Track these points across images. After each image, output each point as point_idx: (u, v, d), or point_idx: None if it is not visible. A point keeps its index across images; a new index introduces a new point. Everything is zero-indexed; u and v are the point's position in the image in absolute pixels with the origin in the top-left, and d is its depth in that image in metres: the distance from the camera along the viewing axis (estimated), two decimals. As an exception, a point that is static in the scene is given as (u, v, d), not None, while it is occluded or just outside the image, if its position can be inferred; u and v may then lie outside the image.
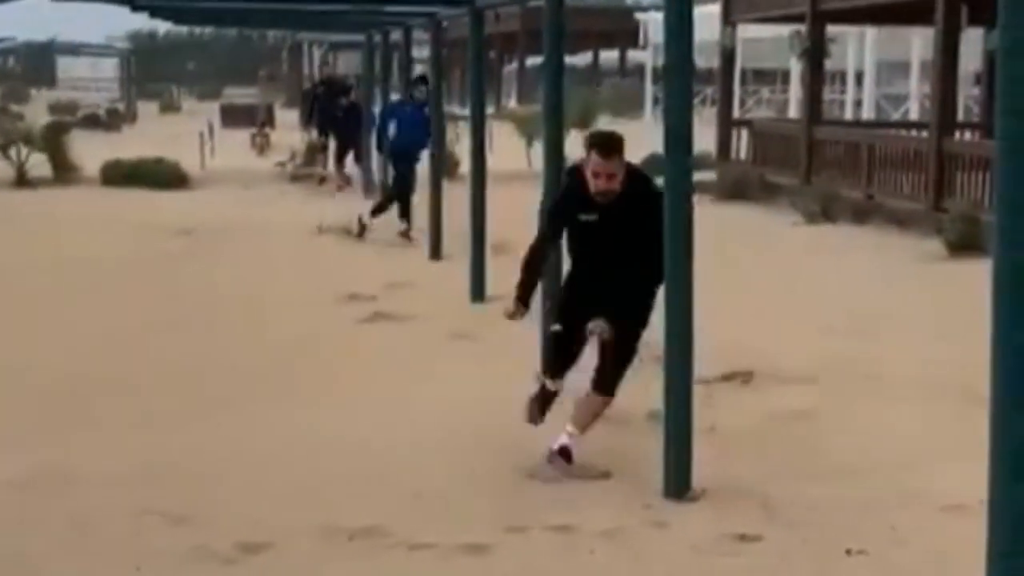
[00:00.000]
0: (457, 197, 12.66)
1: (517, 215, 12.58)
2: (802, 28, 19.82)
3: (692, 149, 6.01)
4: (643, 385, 6.51)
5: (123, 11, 12.86)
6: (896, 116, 32.07)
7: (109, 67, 73.07)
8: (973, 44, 19.32)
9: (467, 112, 13.72)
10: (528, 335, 7.74)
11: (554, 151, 8.40)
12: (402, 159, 14.99)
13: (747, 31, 25.95)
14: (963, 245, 13.22)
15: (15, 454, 6.60)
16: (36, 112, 36.90)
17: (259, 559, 5.21)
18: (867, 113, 31.49)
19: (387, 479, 6.21)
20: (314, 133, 22.57)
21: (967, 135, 18.90)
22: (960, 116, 18.37)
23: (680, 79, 5.90)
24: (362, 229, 14.87)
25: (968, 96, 26.32)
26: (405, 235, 14.74)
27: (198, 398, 7.82)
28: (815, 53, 19.30)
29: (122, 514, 5.69)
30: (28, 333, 9.73)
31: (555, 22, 8.25)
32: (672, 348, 5.94)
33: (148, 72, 69.03)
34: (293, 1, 12.35)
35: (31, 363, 8.65)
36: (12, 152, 21.39)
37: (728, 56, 21.98)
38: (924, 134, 18.06)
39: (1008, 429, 3.30)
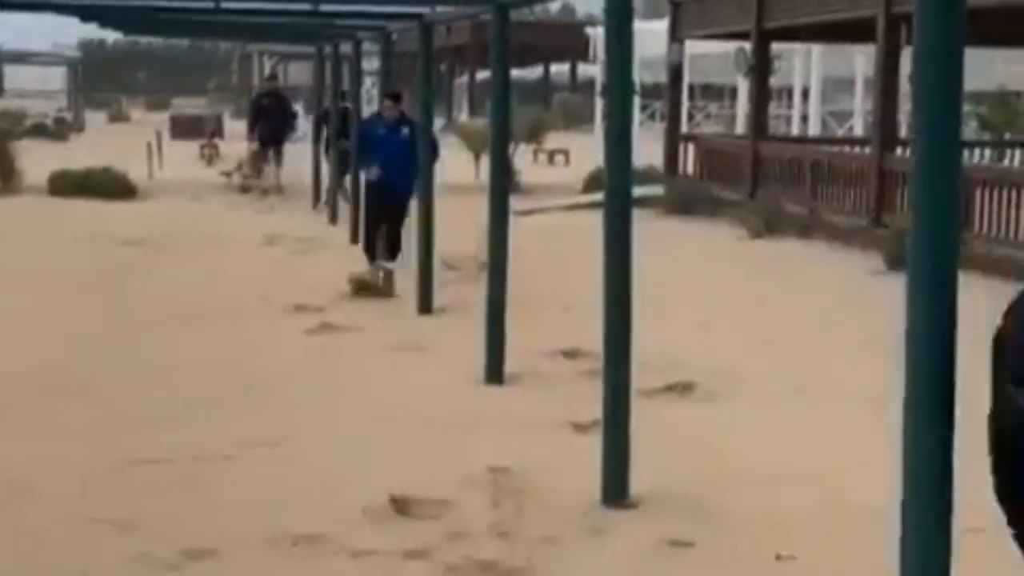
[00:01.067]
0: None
1: (464, 227, 12.79)
2: (747, 45, 20.12)
3: (631, 162, 6.17)
4: (582, 394, 6.65)
5: (71, 20, 12.88)
6: (841, 132, 32.50)
7: (57, 76, 72.55)
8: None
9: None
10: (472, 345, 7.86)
11: (500, 164, 8.54)
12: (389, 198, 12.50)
13: (695, 47, 26.24)
14: (902, 259, 13.45)
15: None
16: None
17: (203, 565, 5.30)
18: (813, 129, 31.89)
19: (332, 486, 6.31)
20: (256, 144, 22.50)
21: (907, 152, 19.21)
22: (902, 132, 18.69)
23: (620, 97, 6.07)
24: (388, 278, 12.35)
25: (909, 113, 26.70)
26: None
27: (146, 406, 7.88)
28: (760, 70, 19.58)
29: (70, 522, 5.75)
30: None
31: (500, 37, 8.39)
32: (610, 358, 6.09)
33: (96, 81, 68.62)
34: (245, 14, 12.40)
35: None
36: (-42, 161, 21.30)
37: (675, 72, 22.23)
38: (867, 150, 18.38)
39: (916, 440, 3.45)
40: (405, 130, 12.26)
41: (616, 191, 6.04)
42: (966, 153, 17.02)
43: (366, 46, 17.98)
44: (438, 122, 18.35)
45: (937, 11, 3.15)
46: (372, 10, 11.81)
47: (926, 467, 3.43)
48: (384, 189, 12.39)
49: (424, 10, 10.75)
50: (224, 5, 10.61)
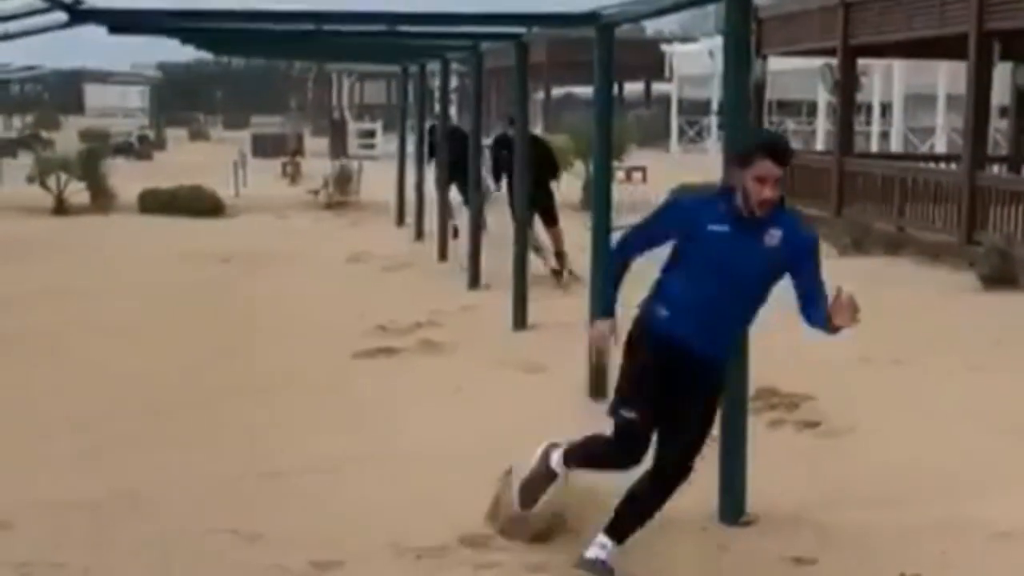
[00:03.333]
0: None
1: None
2: (832, 61, 20.05)
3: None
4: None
5: (149, 40, 13.13)
6: (923, 149, 32.23)
7: (136, 95, 73.86)
8: (1000, 78, 19.49)
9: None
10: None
11: (603, 181, 8.63)
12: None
13: (773, 62, 26.20)
14: (996, 278, 13.36)
15: (89, 475, 6.80)
16: (67, 140, 37.33)
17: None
18: (895, 145, 31.67)
19: (445, 495, 6.38)
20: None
21: (995, 169, 19.06)
22: (988, 149, 18.57)
23: (738, 114, 6.11)
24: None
25: (995, 129, 26.48)
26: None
27: (255, 420, 8.02)
28: (846, 86, 19.50)
29: (193, 534, 5.88)
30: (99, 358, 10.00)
31: (606, 56, 8.46)
32: (728, 375, 6.11)
33: (175, 100, 69.70)
34: (340, 35, 12.59)
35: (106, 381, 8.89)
36: (50, 180, 21.72)
37: (758, 88, 22.18)
38: (953, 167, 18.24)
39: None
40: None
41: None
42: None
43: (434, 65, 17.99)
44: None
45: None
46: (472, 31, 11.92)
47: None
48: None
49: (521, 30, 10.85)
50: (325, 27, 10.78)
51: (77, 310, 12.09)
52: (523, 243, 11.46)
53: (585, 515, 5.71)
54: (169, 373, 9.40)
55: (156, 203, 21.41)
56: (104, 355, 10.08)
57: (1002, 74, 19.44)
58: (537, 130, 43.20)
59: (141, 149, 38.97)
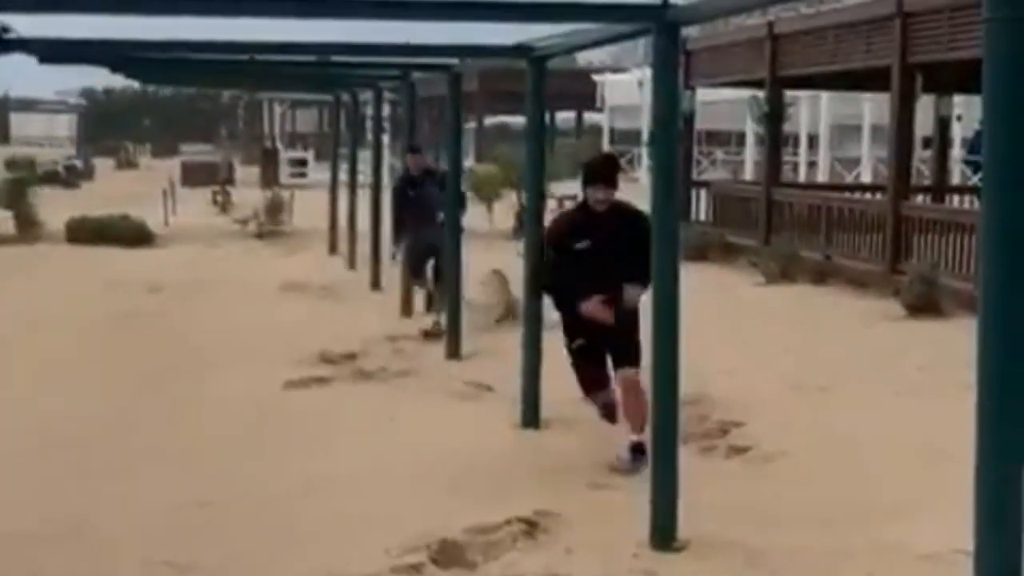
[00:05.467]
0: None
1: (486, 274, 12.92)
2: (760, 93, 20.33)
3: (679, 208, 6.32)
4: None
5: (72, 68, 12.98)
6: (850, 178, 32.71)
7: (63, 123, 73.05)
8: (924, 110, 19.86)
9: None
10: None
11: (535, 212, 8.71)
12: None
13: (702, 93, 26.51)
14: (920, 307, 13.59)
15: (21, 506, 6.74)
16: (-8, 169, 36.89)
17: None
18: (822, 176, 32.11)
19: (378, 521, 6.40)
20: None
21: (919, 198, 19.41)
22: (912, 179, 18.90)
23: (666, 144, 6.21)
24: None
25: (919, 159, 26.97)
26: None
27: (186, 448, 7.98)
28: (774, 117, 19.79)
29: (130, 564, 5.85)
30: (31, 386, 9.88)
31: (537, 87, 8.56)
32: (658, 401, 6.20)
33: (101, 128, 69.01)
34: (272, 64, 12.60)
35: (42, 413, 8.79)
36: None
37: (687, 119, 22.43)
38: (879, 196, 18.55)
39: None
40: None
41: (664, 234, 6.16)
42: None
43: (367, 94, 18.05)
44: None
45: None
46: (403, 61, 11.98)
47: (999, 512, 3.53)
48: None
49: (454, 60, 10.92)
50: (258, 57, 10.80)
51: (1, 342, 11.94)
52: (456, 273, 11.47)
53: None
54: (97, 405, 9.31)
55: (84, 233, 21.21)
56: (31, 388, 9.97)
57: (925, 106, 19.81)
58: (469, 161, 43.37)
59: (68, 178, 38.58)
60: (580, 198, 7.77)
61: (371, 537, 6.17)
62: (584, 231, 7.47)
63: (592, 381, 7.68)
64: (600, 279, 7.37)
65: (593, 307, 7.42)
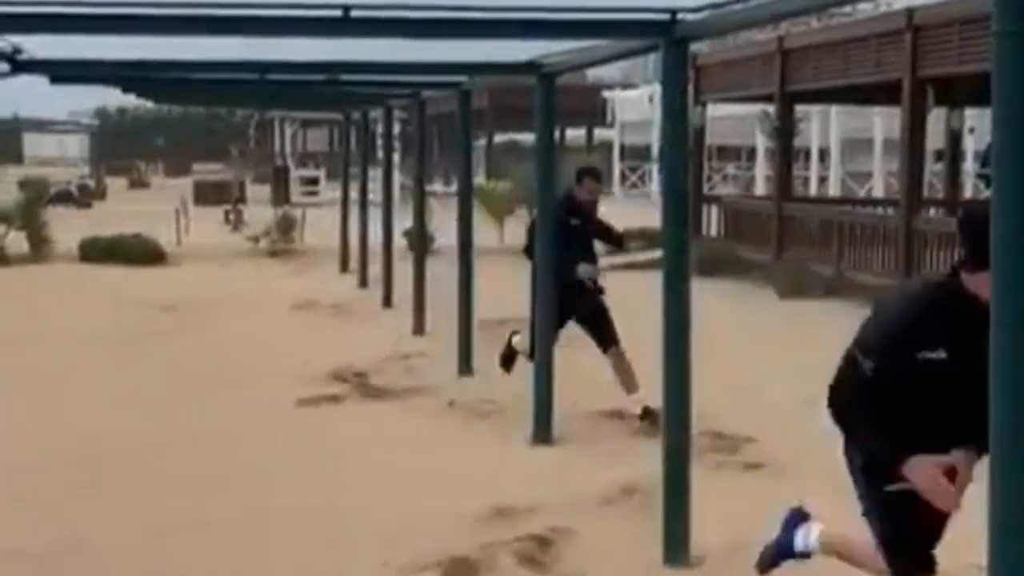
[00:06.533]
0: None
1: (497, 292, 12.94)
2: (770, 108, 20.34)
3: (688, 223, 6.32)
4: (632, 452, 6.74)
5: (87, 87, 12.97)
6: (861, 193, 32.68)
7: (75, 143, 73.32)
8: (935, 123, 19.85)
9: (438, 188, 14.11)
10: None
11: (547, 228, 8.71)
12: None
13: (712, 109, 26.52)
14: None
15: (27, 525, 6.74)
16: (5, 189, 36.97)
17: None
18: (833, 190, 32.08)
19: (389, 538, 6.39)
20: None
21: (931, 212, 19.39)
22: (924, 193, 18.91)
23: (676, 160, 6.21)
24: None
25: (931, 173, 26.93)
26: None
27: (195, 470, 7.98)
28: (784, 131, 19.78)
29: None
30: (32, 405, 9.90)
31: (547, 104, 8.57)
32: (670, 419, 6.19)
33: (114, 148, 69.25)
34: (282, 84, 12.65)
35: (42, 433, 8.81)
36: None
37: (698, 134, 22.43)
38: (891, 211, 18.52)
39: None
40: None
41: (675, 251, 6.16)
42: None
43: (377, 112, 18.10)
44: (453, 185, 18.28)
45: None
46: (413, 79, 12.01)
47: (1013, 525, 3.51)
48: None
49: (463, 78, 10.94)
50: (268, 77, 10.83)
51: (14, 360, 11.97)
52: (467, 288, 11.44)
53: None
54: (110, 422, 9.32)
55: (97, 252, 21.25)
56: (44, 405, 9.99)
57: (937, 118, 19.79)
58: (479, 178, 43.45)
59: (81, 198, 38.71)
60: None
61: (381, 554, 6.16)
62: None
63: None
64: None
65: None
